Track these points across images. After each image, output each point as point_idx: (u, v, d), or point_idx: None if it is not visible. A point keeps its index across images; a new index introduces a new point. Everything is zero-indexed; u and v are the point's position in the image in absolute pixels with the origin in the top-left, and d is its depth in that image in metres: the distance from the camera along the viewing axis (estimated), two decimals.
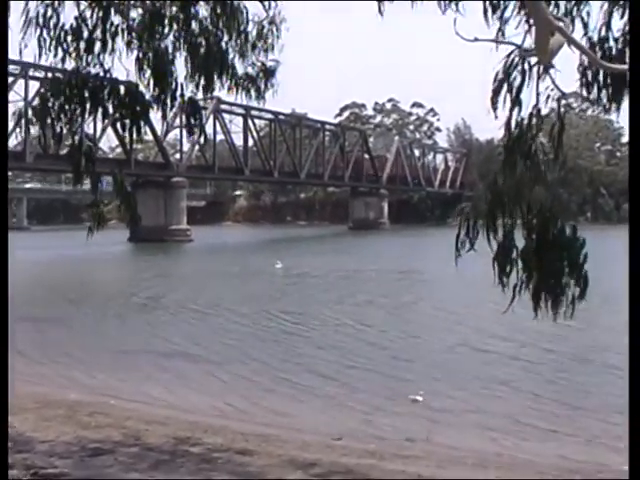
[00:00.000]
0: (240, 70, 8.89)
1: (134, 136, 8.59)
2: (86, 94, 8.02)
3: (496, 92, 6.17)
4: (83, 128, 8.29)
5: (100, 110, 8.11)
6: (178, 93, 8.42)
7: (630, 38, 5.79)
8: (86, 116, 8.16)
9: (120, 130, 8.58)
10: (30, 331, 25.86)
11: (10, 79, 74.89)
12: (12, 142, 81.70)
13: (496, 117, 6.21)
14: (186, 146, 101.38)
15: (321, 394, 16.53)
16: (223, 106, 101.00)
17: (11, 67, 74.27)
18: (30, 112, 8.27)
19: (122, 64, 8.04)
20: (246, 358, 20.49)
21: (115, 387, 17.22)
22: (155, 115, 8.81)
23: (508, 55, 6.17)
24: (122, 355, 21.27)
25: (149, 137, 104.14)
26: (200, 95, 8.72)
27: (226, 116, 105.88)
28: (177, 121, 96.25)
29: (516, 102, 6.14)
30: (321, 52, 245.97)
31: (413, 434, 13.23)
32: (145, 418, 13.73)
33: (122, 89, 8.13)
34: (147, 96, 8.29)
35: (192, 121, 8.79)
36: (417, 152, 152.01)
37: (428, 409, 15.10)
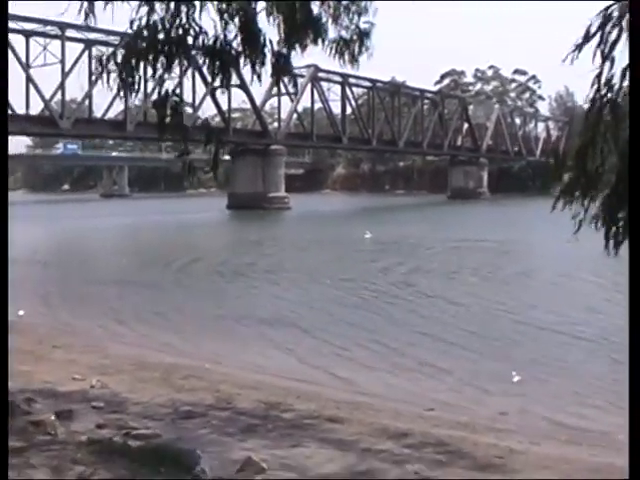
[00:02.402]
0: (333, 35, 8.72)
1: (225, 87, 8.50)
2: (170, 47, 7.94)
3: (583, 43, 5.85)
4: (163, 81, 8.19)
5: (187, 62, 8.07)
6: (267, 49, 8.29)
7: (630, 38, 5.64)
8: (173, 67, 8.09)
9: (209, 78, 8.51)
10: (128, 295, 26.35)
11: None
12: (113, 111, 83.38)
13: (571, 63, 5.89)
14: (284, 114, 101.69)
15: (419, 367, 16.25)
16: (321, 74, 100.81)
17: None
18: (114, 65, 8.18)
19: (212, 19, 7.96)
20: (341, 326, 20.36)
21: (210, 352, 17.32)
22: (250, 79, 8.70)
23: (606, 8, 5.84)
24: (218, 320, 21.42)
25: (247, 105, 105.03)
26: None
27: (324, 84, 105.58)
28: (275, 89, 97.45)
29: (607, 57, 5.82)
30: (420, 18, 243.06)
31: (508, 409, 12.97)
32: (238, 383, 13.75)
33: (210, 40, 8.03)
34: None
35: (282, 76, 8.66)
36: (518, 120, 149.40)
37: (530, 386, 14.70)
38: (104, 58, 8.29)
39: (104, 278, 30.81)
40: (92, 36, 72.04)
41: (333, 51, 8.85)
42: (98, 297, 25.96)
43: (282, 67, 8.73)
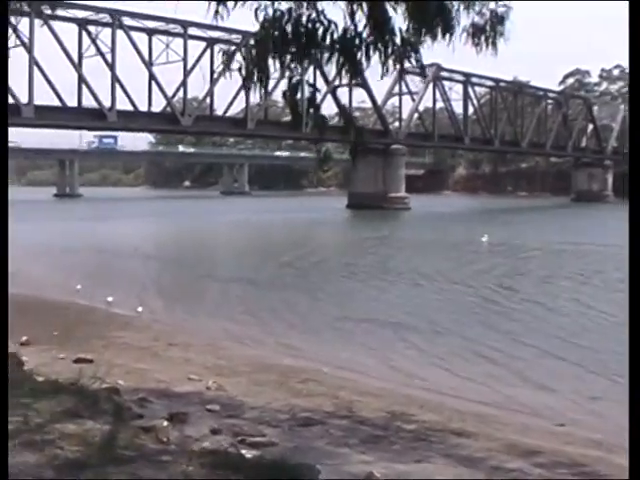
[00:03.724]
0: (466, 22, 8.07)
1: (351, 80, 7.98)
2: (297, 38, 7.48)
3: None
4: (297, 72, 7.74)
5: (313, 54, 7.59)
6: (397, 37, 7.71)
7: (630, 38, 5.45)
8: (302, 61, 7.63)
9: (335, 73, 7.99)
10: (246, 293, 26.16)
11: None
12: (234, 109, 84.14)
13: None
14: (405, 113, 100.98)
15: (543, 376, 15.43)
16: (443, 73, 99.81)
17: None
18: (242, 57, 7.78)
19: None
20: (462, 332, 19.58)
21: (329, 355, 16.81)
22: (373, 79, 8.19)
23: None
24: (337, 322, 20.91)
25: (367, 105, 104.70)
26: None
27: (446, 83, 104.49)
28: (396, 88, 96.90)
29: None
30: (545, 17, 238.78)
31: None
32: (359, 389, 13.25)
33: (337, 30, 7.53)
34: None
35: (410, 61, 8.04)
36: None
37: None
38: (228, 54, 7.93)
39: (223, 275, 30.77)
40: (214, 34, 72.80)
41: (464, 39, 8.20)
42: (216, 294, 25.84)
43: (411, 57, 8.12)
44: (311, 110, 7.92)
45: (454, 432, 10.11)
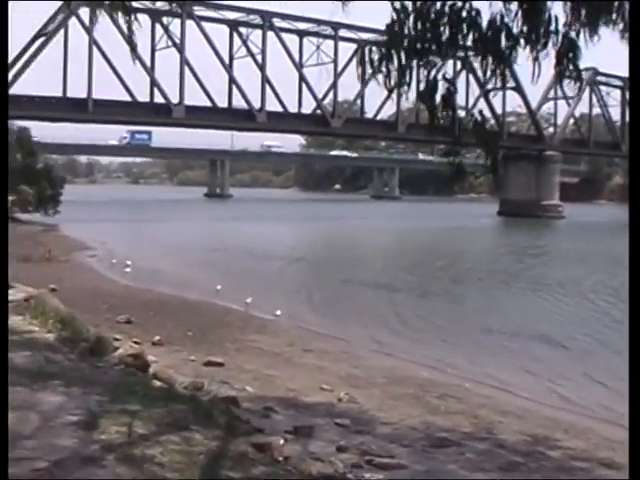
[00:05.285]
0: None
1: (503, 82, 7.27)
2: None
3: None
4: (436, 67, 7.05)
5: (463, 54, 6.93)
6: (552, 27, 6.88)
7: (630, 37, 5.49)
8: (444, 54, 6.94)
9: (482, 74, 7.24)
10: (388, 299, 25.44)
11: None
12: (385, 112, 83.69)
13: None
14: (560, 119, 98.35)
15: None
16: (600, 78, 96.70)
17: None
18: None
19: None
20: (621, 350, 18.23)
21: (472, 368, 15.90)
22: (528, 81, 7.40)
23: None
24: (483, 334, 19.95)
25: (522, 110, 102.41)
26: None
27: (603, 88, 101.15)
28: (552, 92, 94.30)
29: None
30: None
31: None
32: (501, 407, 12.45)
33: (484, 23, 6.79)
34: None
35: (566, 63, 7.15)
36: None
37: None
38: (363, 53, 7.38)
39: (367, 281, 30.09)
40: (365, 36, 72.55)
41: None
42: (358, 300, 25.22)
43: (569, 55, 7.19)
44: (448, 112, 7.22)
45: (602, 463, 9.22)
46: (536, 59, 7.04)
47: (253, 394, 11.60)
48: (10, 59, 62.95)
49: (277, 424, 9.49)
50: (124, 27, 9.34)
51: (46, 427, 6.24)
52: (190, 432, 6.40)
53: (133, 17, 9.45)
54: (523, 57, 7.11)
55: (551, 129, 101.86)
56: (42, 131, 77.69)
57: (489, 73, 7.20)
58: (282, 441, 7.11)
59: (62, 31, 65.53)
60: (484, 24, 6.91)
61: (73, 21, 63.79)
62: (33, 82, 64.63)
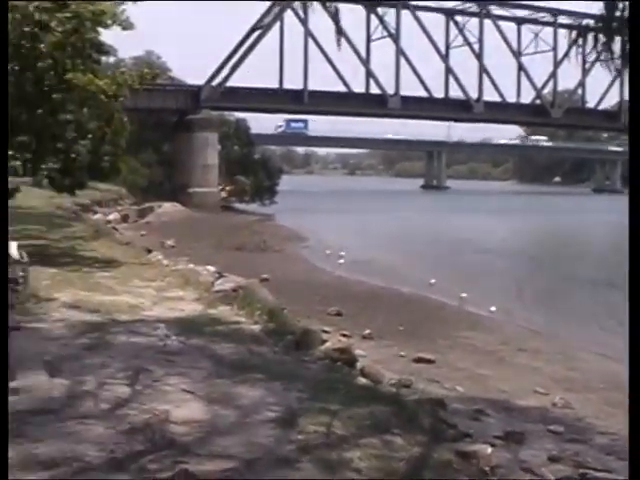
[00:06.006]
0: None
1: None
2: None
3: None
4: None
5: None
6: None
7: (630, 37, 5.48)
8: None
9: None
10: (611, 299, 23.93)
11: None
12: (609, 101, 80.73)
13: None
14: None
15: None
16: None
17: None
18: None
19: None
20: None
21: None
22: None
23: None
24: None
25: None
26: None
27: None
28: None
29: None
30: None
31: None
32: None
33: None
34: None
35: None
36: None
37: None
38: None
39: (590, 277, 28.79)
40: (585, 22, 70.24)
41: None
42: (578, 298, 24.18)
43: None
44: None
45: None
46: None
47: (463, 394, 11.20)
48: (227, 53, 64.94)
49: (487, 428, 9.07)
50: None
51: (243, 423, 6.14)
52: (392, 436, 6.11)
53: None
54: None
55: None
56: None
57: None
58: (490, 449, 6.67)
59: (278, 24, 66.90)
60: None
61: (289, 13, 65.01)
62: (250, 75, 66.19)
